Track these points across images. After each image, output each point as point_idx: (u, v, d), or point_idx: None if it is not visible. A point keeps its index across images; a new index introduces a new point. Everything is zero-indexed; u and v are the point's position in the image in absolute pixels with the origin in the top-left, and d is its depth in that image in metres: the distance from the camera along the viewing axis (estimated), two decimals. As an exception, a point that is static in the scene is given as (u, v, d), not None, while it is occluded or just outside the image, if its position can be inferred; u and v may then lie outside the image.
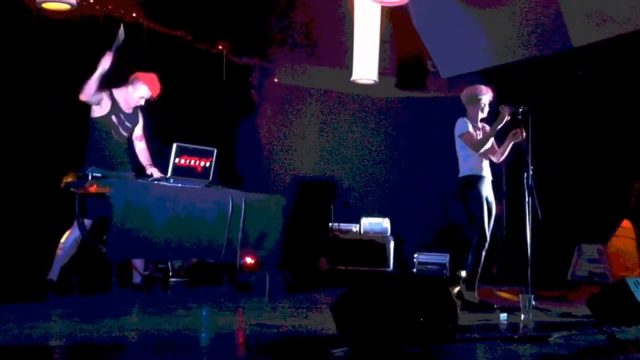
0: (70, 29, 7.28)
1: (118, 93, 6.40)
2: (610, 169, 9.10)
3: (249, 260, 7.25)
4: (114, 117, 6.31)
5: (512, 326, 5.39)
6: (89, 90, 6.01)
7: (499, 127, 6.47)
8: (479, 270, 6.46)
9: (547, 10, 8.65)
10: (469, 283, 6.44)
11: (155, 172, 6.32)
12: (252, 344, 4.29)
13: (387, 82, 9.97)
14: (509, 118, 6.48)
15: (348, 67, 7.53)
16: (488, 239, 6.49)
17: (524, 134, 6.45)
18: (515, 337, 4.67)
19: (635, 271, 8.79)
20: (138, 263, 6.46)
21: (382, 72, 7.53)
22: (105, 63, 6.05)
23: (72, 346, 3.97)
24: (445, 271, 9.79)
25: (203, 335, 4.63)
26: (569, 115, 9.41)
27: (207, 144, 6.28)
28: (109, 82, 6.32)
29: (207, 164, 6.19)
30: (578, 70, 9.37)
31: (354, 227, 10.19)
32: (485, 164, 6.65)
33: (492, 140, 6.57)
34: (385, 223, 10.16)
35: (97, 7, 7.91)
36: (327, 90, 10.98)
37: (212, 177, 6.30)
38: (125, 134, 6.43)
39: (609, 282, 8.60)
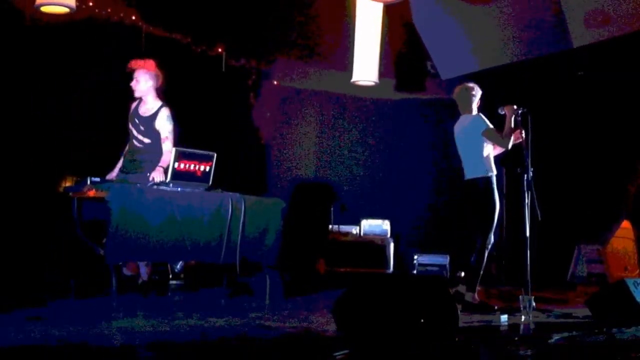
0: (70, 32, 7.29)
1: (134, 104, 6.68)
2: (610, 169, 9.10)
3: (248, 262, 7.25)
4: (130, 125, 6.60)
5: (512, 327, 5.39)
6: None
7: (512, 124, 6.46)
8: (481, 272, 6.45)
9: (548, 10, 8.65)
10: (470, 284, 6.42)
11: (154, 176, 6.30)
12: (253, 347, 4.28)
13: (387, 84, 9.96)
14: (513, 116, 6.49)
15: (348, 69, 7.51)
16: (492, 241, 6.49)
17: (524, 135, 6.46)
18: (516, 338, 4.67)
19: (634, 272, 8.81)
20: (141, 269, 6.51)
21: (381, 74, 7.52)
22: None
23: (72, 349, 3.97)
24: (445, 272, 9.79)
25: (201, 337, 4.62)
26: (568, 115, 9.41)
27: (205, 147, 6.27)
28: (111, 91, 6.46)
29: (207, 168, 6.19)
30: (578, 70, 9.37)
31: (354, 229, 10.19)
32: (494, 164, 6.62)
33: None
34: (385, 225, 10.16)
35: (96, 10, 7.91)
36: (326, 92, 10.97)
37: (212, 181, 6.30)
38: (141, 137, 6.53)
39: (608, 283, 8.60)
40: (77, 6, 6.20)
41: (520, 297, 5.96)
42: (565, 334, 4.72)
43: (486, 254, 6.46)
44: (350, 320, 4.13)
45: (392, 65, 9.99)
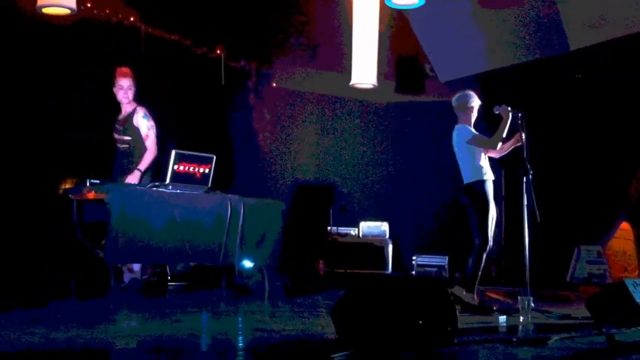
0: (70, 33, 7.30)
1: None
2: (609, 170, 9.10)
3: (247, 263, 7.26)
4: (114, 134, 6.77)
5: (511, 328, 5.39)
6: None
7: (507, 125, 6.51)
8: (480, 273, 6.47)
9: (546, 13, 8.66)
10: (469, 285, 6.44)
11: (129, 180, 6.48)
12: (252, 349, 4.28)
13: (386, 87, 9.96)
14: (511, 116, 6.52)
15: (347, 72, 7.51)
16: (491, 242, 6.51)
17: (523, 138, 6.49)
18: (514, 339, 4.67)
19: (634, 272, 8.81)
20: (135, 266, 6.51)
21: (380, 77, 7.52)
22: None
23: (71, 351, 3.97)
24: (444, 273, 9.80)
25: (202, 340, 4.62)
26: (567, 117, 9.42)
27: (205, 149, 6.28)
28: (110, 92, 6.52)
29: (206, 171, 6.19)
30: (576, 73, 9.38)
31: (353, 231, 10.22)
32: (489, 167, 6.67)
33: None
34: (383, 226, 10.19)
35: (95, 12, 7.92)
36: (325, 94, 10.98)
37: (211, 183, 6.31)
38: (121, 137, 6.67)
39: (607, 284, 8.60)
40: (77, 7, 6.19)
41: (519, 298, 5.96)
42: (565, 335, 4.71)
43: (484, 256, 6.47)
44: (349, 322, 4.13)
45: (391, 68, 10.00)
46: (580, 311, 6.01)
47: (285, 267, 7.04)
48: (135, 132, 6.63)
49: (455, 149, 6.72)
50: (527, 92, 9.18)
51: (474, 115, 6.77)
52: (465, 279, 6.51)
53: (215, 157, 6.24)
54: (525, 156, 6.44)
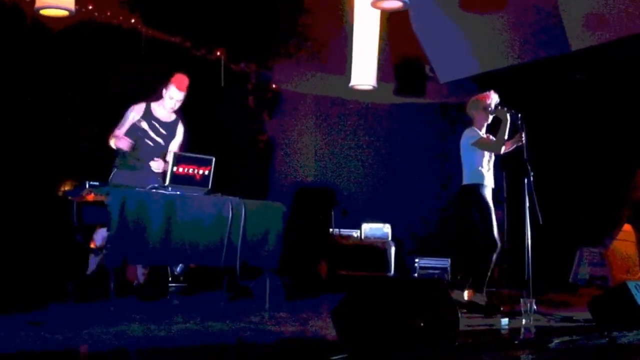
0: (69, 35, 7.30)
1: (155, 104, 6.62)
2: (611, 172, 9.09)
3: (249, 265, 7.24)
4: (143, 124, 6.53)
5: (513, 331, 5.38)
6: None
7: (507, 126, 6.56)
8: (488, 274, 6.51)
9: (546, 14, 8.64)
10: (477, 286, 6.48)
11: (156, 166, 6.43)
12: (252, 351, 4.27)
13: (386, 88, 9.95)
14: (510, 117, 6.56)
15: (346, 73, 7.51)
16: (498, 243, 6.54)
17: (523, 137, 6.52)
18: (516, 342, 4.65)
19: (636, 275, 8.78)
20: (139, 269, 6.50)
21: (380, 78, 7.52)
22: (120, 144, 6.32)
23: (70, 353, 3.96)
24: (446, 275, 9.80)
25: (201, 341, 4.60)
26: (568, 118, 9.40)
27: (205, 151, 6.27)
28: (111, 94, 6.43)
29: (206, 172, 6.18)
30: (577, 74, 9.37)
31: (355, 233, 10.20)
32: (489, 174, 6.72)
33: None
34: (385, 228, 10.16)
35: (96, 14, 7.91)
36: (325, 96, 10.97)
37: (211, 186, 6.30)
38: (159, 139, 6.57)
39: (610, 286, 8.57)
40: (76, 9, 6.19)
41: (521, 300, 5.95)
42: (567, 338, 4.70)
43: (493, 257, 6.50)
44: (349, 324, 4.11)
45: (391, 69, 9.98)
46: (582, 314, 5.99)
47: (287, 269, 7.03)
48: (170, 138, 6.66)
49: (461, 150, 6.81)
50: (528, 93, 9.17)
51: (488, 118, 6.81)
52: (470, 280, 6.54)
53: (214, 159, 6.23)
54: (526, 157, 6.47)
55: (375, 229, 10.18)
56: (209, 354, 4.23)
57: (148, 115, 6.55)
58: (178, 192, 6.00)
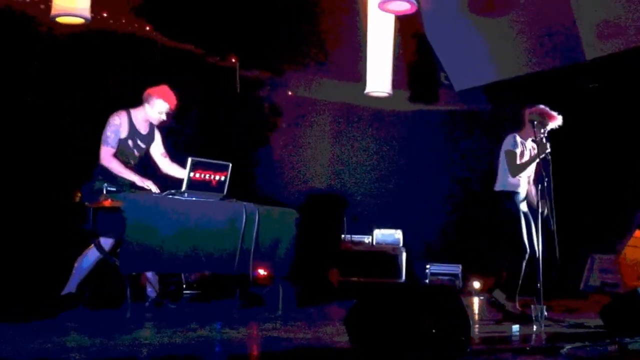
0: (84, 42, 7.37)
1: (135, 114, 6.39)
2: (623, 179, 9.09)
3: (261, 272, 7.28)
4: (130, 142, 6.34)
5: (524, 337, 5.40)
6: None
7: (536, 161, 6.59)
8: (520, 281, 6.52)
9: (561, 22, 8.65)
10: (509, 294, 6.50)
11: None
12: (264, 358, 4.30)
13: (400, 95, 9.98)
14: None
15: (361, 80, 7.53)
16: (528, 250, 6.54)
17: (549, 148, 6.53)
18: (527, 348, 4.67)
19: (647, 281, 8.76)
20: (152, 278, 6.50)
21: (395, 85, 7.54)
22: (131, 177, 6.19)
23: None
24: (457, 282, 9.81)
25: (216, 349, 4.65)
26: (582, 126, 9.40)
27: (220, 158, 6.31)
28: (126, 102, 6.39)
29: (222, 178, 6.22)
30: (591, 82, 9.37)
31: (366, 239, 10.22)
32: (523, 182, 6.71)
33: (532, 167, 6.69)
34: (397, 234, 10.18)
35: (111, 21, 7.98)
36: (339, 103, 10.99)
37: (226, 191, 6.33)
38: (137, 154, 6.45)
39: (621, 293, 8.57)
40: (92, 17, 6.24)
41: (532, 306, 5.96)
42: (578, 344, 4.72)
43: (523, 264, 6.52)
44: (362, 331, 4.14)
45: (405, 77, 10.01)
46: (593, 320, 6.00)
47: (299, 275, 7.06)
48: (150, 144, 6.60)
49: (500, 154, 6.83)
50: (543, 101, 9.18)
51: (536, 136, 6.65)
52: (506, 288, 6.58)
53: (231, 165, 6.27)
54: (546, 166, 6.48)
55: (387, 235, 10.20)
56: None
57: (132, 131, 6.31)
58: (194, 198, 6.05)
